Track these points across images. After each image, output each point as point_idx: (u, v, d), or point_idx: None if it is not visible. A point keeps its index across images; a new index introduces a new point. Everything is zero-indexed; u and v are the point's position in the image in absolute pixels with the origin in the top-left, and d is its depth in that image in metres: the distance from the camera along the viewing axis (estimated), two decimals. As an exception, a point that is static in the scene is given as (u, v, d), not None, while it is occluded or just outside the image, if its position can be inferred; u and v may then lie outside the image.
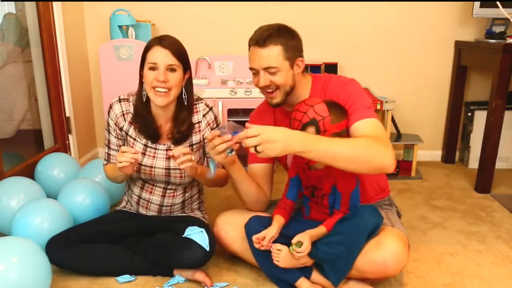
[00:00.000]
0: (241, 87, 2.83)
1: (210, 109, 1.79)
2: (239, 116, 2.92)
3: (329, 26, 3.01)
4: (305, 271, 1.58)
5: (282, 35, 1.52)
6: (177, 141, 1.74)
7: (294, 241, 1.48)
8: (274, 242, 1.54)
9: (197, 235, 1.64)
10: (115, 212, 1.93)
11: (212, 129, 1.78)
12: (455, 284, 1.69)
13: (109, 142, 1.82)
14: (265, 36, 1.51)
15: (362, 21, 3.01)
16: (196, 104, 1.78)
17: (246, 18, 2.98)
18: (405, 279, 1.71)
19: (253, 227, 1.61)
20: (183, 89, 1.71)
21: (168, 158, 1.74)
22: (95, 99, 3.18)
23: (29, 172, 2.37)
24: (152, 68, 1.62)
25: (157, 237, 1.74)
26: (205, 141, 1.78)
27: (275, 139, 1.33)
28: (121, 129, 1.78)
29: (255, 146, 1.33)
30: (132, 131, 1.77)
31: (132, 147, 1.76)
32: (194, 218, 1.82)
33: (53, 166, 2.40)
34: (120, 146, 1.80)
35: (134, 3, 2.97)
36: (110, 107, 1.78)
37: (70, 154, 2.86)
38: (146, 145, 1.76)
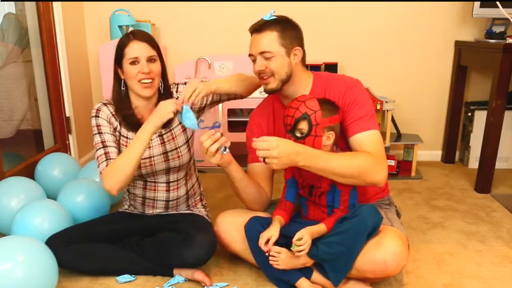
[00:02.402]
0: (241, 87, 2.82)
1: (177, 84, 1.83)
2: (239, 116, 2.92)
3: (329, 26, 3.01)
4: (305, 272, 1.58)
5: (279, 23, 1.57)
6: (165, 125, 1.73)
7: (294, 238, 1.48)
8: (274, 243, 1.54)
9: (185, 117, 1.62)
10: (117, 212, 1.93)
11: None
12: (455, 284, 1.69)
13: (103, 142, 1.68)
14: (262, 23, 1.58)
15: (362, 21, 3.01)
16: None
17: (246, 18, 2.96)
18: (405, 279, 1.71)
19: (252, 227, 1.61)
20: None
21: (163, 142, 1.75)
22: (95, 99, 3.19)
23: (29, 172, 2.38)
24: (134, 63, 1.64)
25: (157, 236, 1.74)
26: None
27: (281, 156, 1.41)
28: (115, 129, 1.74)
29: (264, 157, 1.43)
30: (124, 131, 1.74)
31: (126, 146, 1.74)
32: (198, 217, 1.83)
33: (53, 166, 2.40)
34: (116, 141, 1.71)
35: (134, 3, 2.97)
36: (98, 110, 1.73)
37: (70, 154, 2.86)
38: None
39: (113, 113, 1.74)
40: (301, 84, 1.64)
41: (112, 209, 2.19)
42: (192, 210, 1.88)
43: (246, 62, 2.94)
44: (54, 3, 2.69)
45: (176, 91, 1.80)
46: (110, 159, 1.64)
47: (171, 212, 1.86)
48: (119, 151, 1.71)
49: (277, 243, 1.54)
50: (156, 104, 1.72)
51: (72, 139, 2.89)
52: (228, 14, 3.02)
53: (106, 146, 1.67)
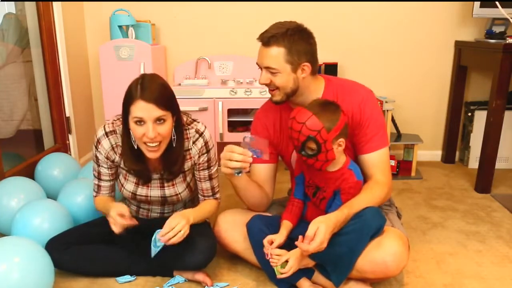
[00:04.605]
0: (241, 87, 2.83)
1: (200, 135, 1.68)
2: (239, 116, 2.92)
3: (329, 26, 3.01)
4: (306, 272, 1.58)
5: (288, 37, 1.49)
6: (168, 180, 1.72)
7: (281, 260, 1.49)
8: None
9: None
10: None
11: (200, 155, 1.69)
12: (455, 284, 1.69)
13: (99, 173, 1.73)
14: (269, 36, 1.50)
15: (362, 21, 3.01)
16: (186, 130, 1.68)
17: (246, 18, 2.99)
18: (405, 279, 1.71)
19: (255, 226, 1.61)
20: (173, 131, 1.61)
21: (163, 186, 1.72)
22: (95, 99, 3.19)
23: (29, 172, 2.37)
24: (139, 122, 1.51)
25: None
26: (198, 165, 1.71)
27: (328, 239, 1.42)
28: (113, 161, 1.71)
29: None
30: (123, 164, 1.70)
31: (126, 178, 1.73)
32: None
33: (53, 166, 2.40)
34: (111, 175, 1.73)
35: (134, 3, 2.97)
36: (98, 142, 1.68)
37: (70, 154, 2.86)
38: None
39: (114, 145, 1.68)
40: (310, 93, 1.61)
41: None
42: None
43: (246, 62, 2.96)
44: (54, 3, 2.69)
45: (187, 138, 1.67)
46: (101, 192, 1.76)
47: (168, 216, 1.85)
48: (117, 179, 1.77)
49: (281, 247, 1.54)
50: (164, 154, 1.61)
51: (72, 139, 2.89)
52: (228, 14, 3.02)
53: (101, 179, 1.76)
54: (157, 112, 1.49)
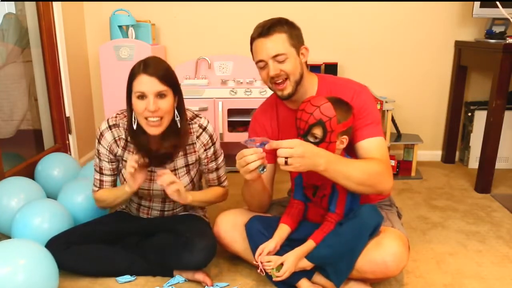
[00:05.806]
0: (241, 87, 2.83)
1: (204, 129, 1.72)
2: (239, 116, 2.92)
3: (329, 26, 3.01)
4: (306, 272, 1.57)
5: (285, 24, 1.56)
6: (158, 163, 1.69)
7: (277, 263, 1.49)
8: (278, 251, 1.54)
9: None
10: (115, 212, 1.93)
11: (206, 149, 1.74)
12: (455, 284, 1.69)
13: (101, 168, 1.74)
14: (268, 26, 1.54)
15: (362, 21, 3.01)
16: (190, 125, 1.71)
17: (246, 18, 2.99)
18: (405, 279, 1.71)
19: (254, 227, 1.61)
20: (175, 112, 1.63)
21: None
22: (95, 99, 3.19)
23: (29, 172, 2.37)
24: (141, 97, 1.55)
25: (157, 239, 1.74)
26: (206, 159, 1.75)
27: (305, 155, 1.37)
28: (115, 155, 1.72)
29: (286, 159, 1.37)
30: (126, 156, 1.72)
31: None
32: (196, 217, 1.82)
33: (53, 166, 2.40)
34: (113, 169, 1.75)
35: (134, 3, 2.98)
36: (101, 135, 1.70)
37: (70, 154, 2.86)
38: None
39: (116, 138, 1.70)
40: (308, 86, 1.63)
41: (112, 209, 2.19)
42: (188, 211, 1.88)
43: (246, 62, 2.96)
44: (54, 3, 2.69)
45: (191, 133, 1.70)
46: (104, 186, 1.77)
47: (168, 215, 1.86)
48: (118, 174, 1.78)
49: (281, 247, 1.54)
50: (162, 134, 1.62)
51: (72, 139, 2.89)
52: (228, 14, 3.02)
53: (102, 174, 1.76)
54: (159, 86, 1.54)
